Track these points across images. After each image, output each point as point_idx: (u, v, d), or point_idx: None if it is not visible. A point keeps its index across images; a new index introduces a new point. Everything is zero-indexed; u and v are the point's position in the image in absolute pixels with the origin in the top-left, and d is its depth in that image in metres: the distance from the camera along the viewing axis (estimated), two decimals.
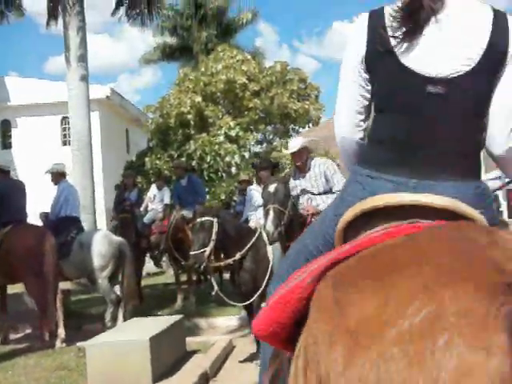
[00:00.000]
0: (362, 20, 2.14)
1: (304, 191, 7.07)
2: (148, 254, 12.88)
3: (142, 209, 12.94)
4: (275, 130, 24.90)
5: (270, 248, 6.82)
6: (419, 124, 2.03)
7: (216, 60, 22.40)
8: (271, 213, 5.93)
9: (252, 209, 8.47)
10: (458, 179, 1.99)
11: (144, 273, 16.83)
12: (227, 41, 30.74)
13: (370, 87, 2.17)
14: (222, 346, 8.12)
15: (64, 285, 10.48)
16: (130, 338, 6.49)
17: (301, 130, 25.56)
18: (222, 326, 10.10)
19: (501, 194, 52.64)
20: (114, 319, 9.08)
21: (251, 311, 7.72)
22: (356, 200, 2.00)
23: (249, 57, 23.39)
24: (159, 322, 7.28)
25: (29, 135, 27.61)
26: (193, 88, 22.00)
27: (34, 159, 24.88)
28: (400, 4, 2.02)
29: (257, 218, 7.85)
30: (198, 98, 21.27)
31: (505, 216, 50.14)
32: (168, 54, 32.65)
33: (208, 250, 7.01)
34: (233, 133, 18.15)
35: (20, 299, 10.17)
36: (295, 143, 7.27)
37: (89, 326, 9.50)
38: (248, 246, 7.33)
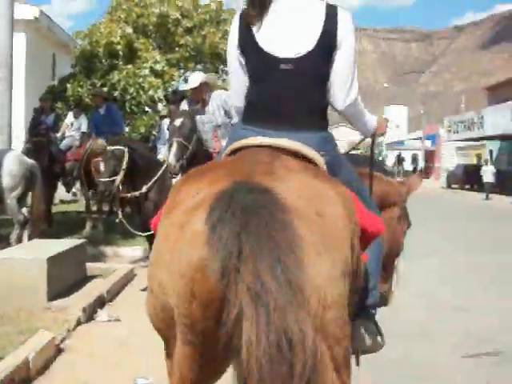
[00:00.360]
0: (236, 16, 2.90)
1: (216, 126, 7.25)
2: (61, 180, 12.86)
3: (58, 135, 12.89)
4: (205, 68, 24.75)
5: (174, 181, 6.97)
6: (275, 92, 2.78)
7: None
8: (174, 146, 6.10)
9: (162, 142, 8.61)
10: (304, 130, 2.71)
11: (58, 200, 16.85)
12: None
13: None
14: (122, 273, 8.36)
15: None
16: (28, 256, 6.65)
17: None
18: (126, 255, 10.34)
19: (421, 155, 53.91)
20: (19, 240, 9.17)
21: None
22: (233, 142, 2.76)
23: None
24: (60, 245, 7.43)
25: None
26: (125, 18, 21.57)
27: None
28: None
29: (165, 151, 8.00)
30: (129, 30, 20.88)
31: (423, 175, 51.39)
32: None
33: (118, 178, 7.16)
34: (158, 67, 18.00)
35: None
36: (195, 78, 7.40)
37: None
38: (154, 178, 7.49)
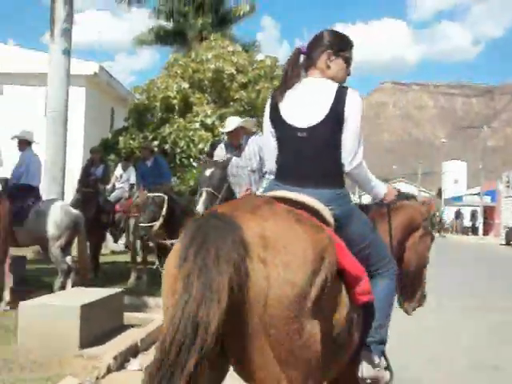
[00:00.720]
0: (269, 96, 3.75)
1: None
2: (109, 231, 13.10)
3: (108, 186, 13.17)
4: (258, 122, 24.99)
5: None
6: (296, 156, 3.47)
7: (207, 48, 22.49)
8: (204, 195, 6.19)
9: None
10: (319, 187, 3.37)
11: (109, 250, 17.11)
12: (223, 31, 30.84)
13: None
14: (160, 322, 8.37)
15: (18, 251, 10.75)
16: (62, 303, 6.77)
17: None
18: None
19: (480, 211, 52.83)
20: (63, 288, 9.34)
21: None
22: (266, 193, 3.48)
23: (239, 48, 23.47)
24: (97, 293, 7.53)
25: (14, 104, 27.71)
26: (181, 74, 22.10)
27: (17, 128, 24.93)
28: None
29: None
30: (185, 84, 21.38)
31: (480, 231, 50.51)
32: (162, 37, 32.68)
33: (157, 224, 7.28)
34: (209, 121, 18.33)
35: None
36: (232, 122, 7.48)
37: (38, 293, 9.70)
38: None
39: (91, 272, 12.43)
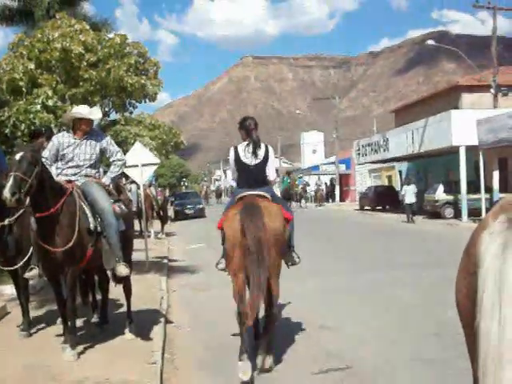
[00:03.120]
0: (232, 149, 7.25)
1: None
2: None
3: None
4: (111, 102, 24.61)
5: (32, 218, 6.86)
6: (250, 177, 7.11)
7: (53, 28, 21.74)
8: (11, 180, 6.09)
9: None
10: (262, 187, 7.09)
11: None
12: (72, 9, 29.97)
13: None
14: None
15: None
16: None
17: (137, 104, 25.41)
18: (9, 293, 10.16)
19: (336, 179, 54.32)
20: None
21: (17, 278, 7.89)
22: (238, 195, 7.07)
23: (87, 27, 22.86)
24: None
25: None
26: (27, 54, 21.32)
27: None
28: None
29: None
30: (32, 65, 20.64)
31: (337, 198, 52.09)
32: (8, 16, 31.28)
33: None
34: (51, 102, 17.88)
35: None
36: (84, 110, 7.43)
37: None
38: (17, 214, 7.44)
39: None
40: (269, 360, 6.45)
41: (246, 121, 7.35)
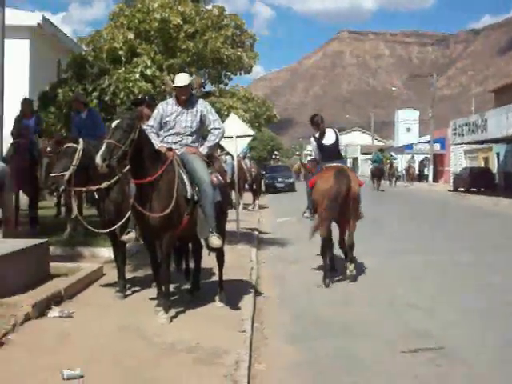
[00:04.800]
0: (312, 137, 10.59)
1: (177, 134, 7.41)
2: None
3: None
4: (207, 73, 24.80)
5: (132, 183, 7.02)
6: (329, 153, 10.27)
7: None
8: (103, 146, 6.25)
9: None
10: (340, 161, 10.41)
11: (53, 203, 17.09)
12: None
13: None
14: (87, 271, 8.55)
15: None
16: None
17: (232, 76, 25.52)
18: (105, 255, 10.51)
19: (430, 159, 53.24)
20: None
21: (115, 241, 8.13)
22: (323, 165, 10.22)
23: None
24: (19, 244, 7.63)
25: None
26: (127, 24, 21.73)
27: None
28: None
29: None
30: (131, 35, 21.01)
31: (430, 179, 51.14)
32: None
33: (67, 173, 7.34)
34: (149, 72, 18.17)
35: None
36: (184, 78, 7.55)
37: None
38: (116, 178, 7.63)
39: (35, 224, 12.55)
40: (350, 266, 9.77)
41: (315, 117, 10.53)
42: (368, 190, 30.66)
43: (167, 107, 7.46)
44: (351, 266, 9.80)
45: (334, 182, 9.41)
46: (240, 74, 25.44)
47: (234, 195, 15.22)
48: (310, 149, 11.87)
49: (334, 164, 10.02)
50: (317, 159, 10.70)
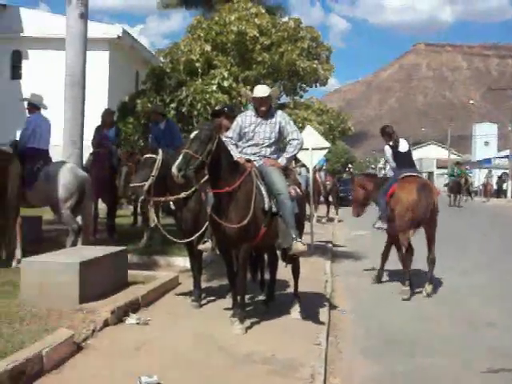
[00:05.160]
0: (387, 146, 10.62)
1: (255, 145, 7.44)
2: None
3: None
4: (282, 85, 24.90)
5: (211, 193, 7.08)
6: (405, 161, 10.43)
7: (230, 11, 22.34)
8: (180, 157, 6.31)
9: None
10: (414, 169, 10.61)
11: (130, 212, 17.41)
12: None
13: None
14: (164, 280, 8.65)
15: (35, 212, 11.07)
16: (62, 259, 7.04)
17: (308, 88, 25.52)
18: (179, 265, 10.62)
19: (510, 174, 51.80)
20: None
21: (191, 250, 8.20)
22: (400, 174, 10.17)
23: (263, 10, 23.25)
24: (100, 251, 7.79)
25: (38, 68, 28.09)
26: (204, 36, 22.04)
27: (41, 92, 25.24)
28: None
29: None
30: (208, 47, 21.32)
31: (508, 194, 49.81)
32: (187, 0, 32.50)
33: (147, 184, 7.45)
34: (226, 83, 18.36)
35: None
36: (264, 89, 7.59)
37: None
38: (194, 188, 7.71)
39: (112, 232, 12.82)
40: (428, 288, 9.69)
41: (386, 128, 10.80)
42: (444, 204, 30.09)
43: (246, 118, 7.50)
44: (429, 288, 9.73)
45: (419, 195, 9.53)
46: (315, 86, 25.47)
47: (308, 207, 15.17)
48: (384, 161, 11.89)
49: (412, 174, 10.19)
50: (391, 167, 10.75)
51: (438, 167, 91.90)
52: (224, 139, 7.11)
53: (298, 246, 6.94)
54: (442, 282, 10.65)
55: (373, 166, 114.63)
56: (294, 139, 7.47)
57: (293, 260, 7.55)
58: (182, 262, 10.58)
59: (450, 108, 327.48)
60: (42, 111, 10.55)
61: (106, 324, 6.44)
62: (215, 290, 8.96)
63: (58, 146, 12.15)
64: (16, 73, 29.86)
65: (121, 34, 28.52)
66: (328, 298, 8.97)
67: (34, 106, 10.37)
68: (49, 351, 5.07)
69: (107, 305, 6.85)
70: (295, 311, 7.58)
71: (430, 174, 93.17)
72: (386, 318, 8.34)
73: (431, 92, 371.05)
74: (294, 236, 6.93)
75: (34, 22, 28.51)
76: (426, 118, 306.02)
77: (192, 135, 6.52)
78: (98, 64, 25.75)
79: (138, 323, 6.77)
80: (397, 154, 10.44)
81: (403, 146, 10.52)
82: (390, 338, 7.30)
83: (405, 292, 9.55)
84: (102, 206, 13.70)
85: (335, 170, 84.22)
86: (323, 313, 7.84)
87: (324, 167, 27.04)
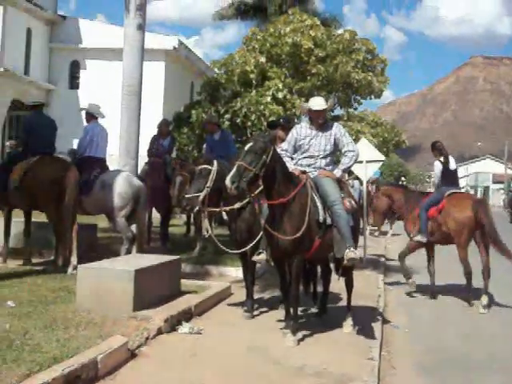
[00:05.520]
0: (438, 162, 10.59)
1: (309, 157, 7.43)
2: None
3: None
4: (336, 97, 24.84)
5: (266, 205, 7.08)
6: (453, 179, 10.66)
7: (285, 23, 22.44)
8: (234, 169, 6.33)
9: None
10: (459, 186, 11.07)
11: (183, 221, 17.55)
12: (304, 5, 30.70)
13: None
14: (216, 290, 8.69)
15: (90, 220, 11.24)
16: (118, 267, 7.12)
17: (362, 100, 25.40)
18: (232, 275, 10.66)
19: None
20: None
21: (245, 261, 8.20)
22: (446, 191, 10.25)
23: (318, 22, 23.27)
24: (154, 259, 7.86)
25: (95, 77, 28.65)
26: (259, 48, 22.16)
27: (97, 101, 25.67)
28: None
29: None
30: (263, 59, 21.43)
31: None
32: (243, 12, 32.74)
33: (202, 194, 7.49)
34: (280, 95, 18.40)
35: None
36: (321, 101, 7.59)
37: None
38: (247, 199, 7.72)
39: (165, 241, 12.95)
40: (484, 300, 9.66)
41: (437, 143, 10.91)
42: (501, 219, 29.49)
43: (301, 131, 7.49)
44: (485, 300, 9.68)
45: (472, 212, 9.75)
46: (370, 98, 25.32)
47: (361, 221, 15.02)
48: (433, 173, 11.68)
49: (455, 190, 10.46)
50: (437, 183, 10.80)
51: (494, 182, 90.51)
52: (279, 152, 7.12)
53: (350, 253, 6.87)
54: (495, 299, 10.42)
55: (427, 179, 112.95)
56: (349, 151, 7.44)
57: (346, 273, 7.49)
58: (234, 272, 10.62)
59: (507, 122, 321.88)
60: (99, 120, 10.75)
61: (159, 332, 6.48)
62: (267, 301, 8.96)
63: (113, 156, 12.35)
64: (74, 83, 30.50)
65: (177, 45, 28.87)
66: (381, 312, 8.87)
67: (92, 115, 10.56)
68: (103, 357, 5.13)
69: (160, 313, 6.90)
70: (348, 325, 7.51)
71: (486, 188, 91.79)
72: (440, 333, 8.22)
73: (488, 106, 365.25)
74: (348, 245, 6.88)
75: (92, 32, 29.14)
76: (482, 132, 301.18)
77: (246, 147, 6.53)
78: (154, 74, 26.09)
79: (190, 332, 6.79)
80: (446, 171, 10.52)
81: (452, 164, 10.65)
82: (444, 353, 7.19)
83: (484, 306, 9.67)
84: (156, 215, 13.84)
85: (388, 183, 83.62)
86: (376, 327, 7.76)
87: (377, 178, 26.77)
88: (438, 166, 10.60)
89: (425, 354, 7.21)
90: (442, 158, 10.54)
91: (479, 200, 10.76)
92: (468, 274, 9.91)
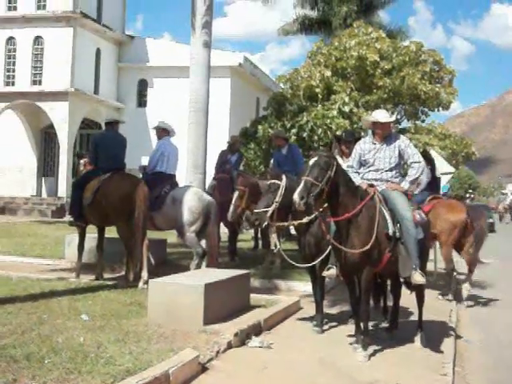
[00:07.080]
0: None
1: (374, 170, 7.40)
2: None
3: None
4: (403, 110, 24.65)
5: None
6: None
7: (350, 36, 22.45)
8: (301, 184, 6.33)
9: None
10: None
11: (251, 236, 17.63)
12: (368, 17, 30.64)
13: None
14: (286, 304, 8.68)
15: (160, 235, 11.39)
16: (188, 281, 7.21)
17: (430, 112, 25.09)
18: (300, 289, 10.62)
19: None
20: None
21: (314, 276, 8.19)
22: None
23: (384, 35, 23.18)
24: (223, 274, 7.93)
25: (163, 95, 29.18)
26: (324, 62, 22.19)
27: (165, 119, 26.08)
28: None
29: None
30: (328, 73, 21.45)
31: None
32: (307, 26, 32.86)
33: (270, 209, 7.53)
34: (347, 108, 18.35)
35: None
36: (386, 114, 7.57)
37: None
38: (315, 214, 7.71)
39: (234, 256, 13.03)
40: None
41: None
42: None
43: (365, 145, 7.46)
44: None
45: (465, 214, 10.94)
46: (438, 110, 24.95)
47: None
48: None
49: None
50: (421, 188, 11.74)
51: None
52: (345, 168, 7.11)
53: (417, 276, 6.80)
54: None
55: (503, 191, 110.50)
56: (415, 162, 7.36)
57: (417, 288, 7.38)
58: (303, 286, 10.57)
59: None
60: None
61: (229, 346, 6.50)
62: (337, 315, 8.89)
63: (180, 172, 12.53)
64: (142, 101, 31.16)
65: (242, 62, 29.18)
66: (453, 327, 8.70)
67: (165, 130, 10.75)
68: (175, 370, 5.18)
69: (230, 327, 6.93)
70: (419, 340, 7.39)
71: None
72: None
73: None
74: (414, 266, 6.80)
75: (159, 51, 29.76)
76: None
77: (311, 162, 6.53)
78: (220, 91, 26.43)
79: (260, 346, 6.80)
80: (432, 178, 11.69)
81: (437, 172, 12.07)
82: None
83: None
84: (224, 230, 13.95)
85: (458, 196, 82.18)
86: (448, 342, 7.62)
87: (448, 193, 26.34)
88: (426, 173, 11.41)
89: (500, 370, 7.06)
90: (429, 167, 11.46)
91: (472, 206, 12.21)
92: (451, 271, 11.35)
